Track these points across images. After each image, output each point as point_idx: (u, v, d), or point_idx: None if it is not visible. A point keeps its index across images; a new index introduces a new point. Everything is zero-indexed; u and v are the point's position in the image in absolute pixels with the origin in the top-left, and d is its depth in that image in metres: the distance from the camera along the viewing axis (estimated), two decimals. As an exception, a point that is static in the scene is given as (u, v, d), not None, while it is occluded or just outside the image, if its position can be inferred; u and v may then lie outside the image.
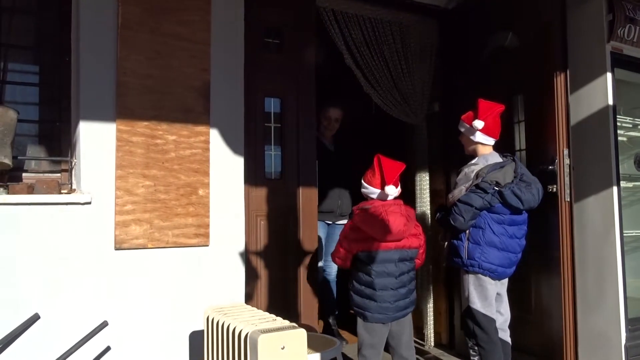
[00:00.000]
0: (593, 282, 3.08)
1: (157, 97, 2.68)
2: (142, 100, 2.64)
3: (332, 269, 4.19)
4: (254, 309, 2.17)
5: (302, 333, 1.76)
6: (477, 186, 2.85)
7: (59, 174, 2.64)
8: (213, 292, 2.78)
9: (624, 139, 3.53)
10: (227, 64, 2.92)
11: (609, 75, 3.08)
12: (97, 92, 2.56)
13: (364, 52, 3.93)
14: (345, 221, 4.33)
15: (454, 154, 4.00)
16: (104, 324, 2.17)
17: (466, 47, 3.89)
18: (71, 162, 2.62)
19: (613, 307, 3.01)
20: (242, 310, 2.11)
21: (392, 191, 2.72)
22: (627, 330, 2.99)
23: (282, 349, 1.69)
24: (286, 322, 1.87)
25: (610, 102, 3.07)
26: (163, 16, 2.72)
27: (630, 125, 3.53)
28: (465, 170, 3.00)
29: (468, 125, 3.00)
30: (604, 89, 3.08)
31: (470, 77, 3.84)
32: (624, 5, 3.11)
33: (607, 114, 3.07)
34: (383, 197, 2.74)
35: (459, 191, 2.95)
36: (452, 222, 2.89)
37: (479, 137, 2.97)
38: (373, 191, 2.77)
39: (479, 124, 2.92)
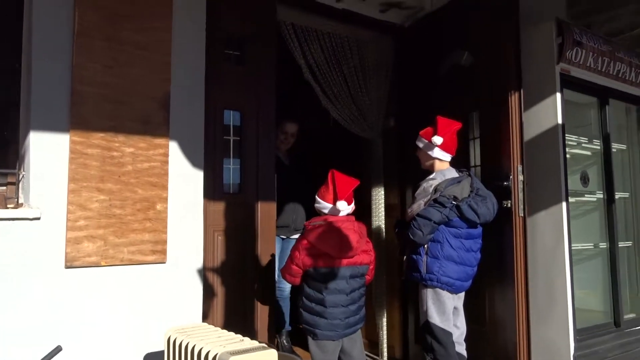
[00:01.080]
0: (544, 293, 3.19)
1: (114, 107, 2.57)
2: (98, 110, 2.52)
3: (286, 285, 4.13)
4: (218, 329, 2.09)
5: (273, 354, 1.71)
6: (435, 200, 2.90)
7: (3, 187, 2.47)
8: (170, 312, 2.68)
9: (569, 156, 3.70)
10: (188, 75, 2.85)
11: (558, 95, 3.22)
12: (49, 100, 2.42)
13: (323, 67, 3.94)
14: (298, 236, 4.33)
15: (409, 168, 4.08)
16: (58, 349, 2.03)
17: (421, 64, 3.98)
18: (18, 175, 2.46)
19: (562, 318, 3.13)
20: (206, 330, 2.03)
21: (344, 207, 2.72)
22: (576, 341, 3.11)
23: (253, 371, 1.64)
24: (255, 343, 1.82)
25: (560, 121, 3.21)
26: (122, 23, 2.62)
27: (575, 143, 3.70)
28: (424, 185, 3.05)
29: (427, 141, 3.06)
30: (554, 108, 3.22)
31: (425, 94, 3.93)
32: (572, 29, 3.28)
33: (557, 133, 3.21)
34: (335, 212, 2.74)
35: (418, 205, 2.99)
36: (411, 236, 2.92)
37: (437, 152, 3.03)
38: (325, 206, 2.77)
39: (437, 139, 2.98)
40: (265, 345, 1.76)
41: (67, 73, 2.47)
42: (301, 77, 3.87)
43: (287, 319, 4.09)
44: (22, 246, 2.30)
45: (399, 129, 4.25)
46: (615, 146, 3.82)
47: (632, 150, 4.05)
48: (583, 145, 3.72)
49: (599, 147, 3.67)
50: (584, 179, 3.59)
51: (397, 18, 4.18)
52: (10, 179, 2.48)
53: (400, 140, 4.23)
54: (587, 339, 3.22)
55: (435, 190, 2.94)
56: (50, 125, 2.41)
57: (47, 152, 2.40)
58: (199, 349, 1.75)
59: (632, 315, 3.68)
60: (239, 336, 1.93)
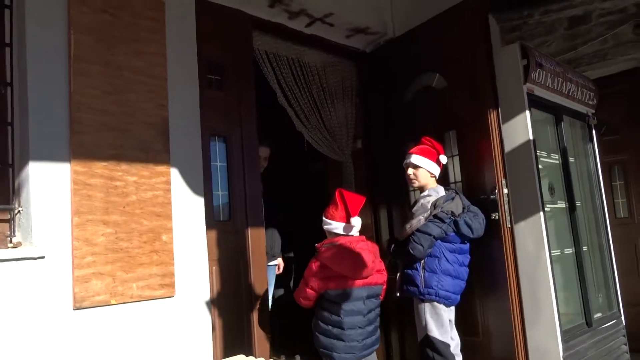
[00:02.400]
0: (530, 300, 3.35)
1: (115, 134, 2.43)
2: (99, 138, 2.37)
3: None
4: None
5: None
6: (435, 216, 3.00)
7: (-6, 226, 2.23)
8: (180, 346, 2.52)
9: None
10: (184, 100, 2.76)
11: (527, 113, 3.46)
12: (48, 129, 2.24)
13: (295, 92, 3.99)
14: (275, 262, 4.27)
15: (379, 189, 4.19)
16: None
17: (387, 87, 4.13)
18: (13, 211, 2.23)
19: (550, 322, 3.30)
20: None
21: (357, 222, 2.74)
22: (563, 342, 3.29)
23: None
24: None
25: (531, 137, 3.45)
26: (118, 47, 2.50)
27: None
28: (422, 201, 3.14)
29: (432, 162, 3.18)
30: (525, 125, 3.45)
31: (392, 116, 4.07)
32: (534, 52, 3.56)
33: (529, 148, 3.44)
34: (348, 230, 2.74)
35: (418, 221, 3.07)
36: (411, 250, 2.98)
37: (437, 171, 3.17)
38: (337, 226, 2.76)
39: (444, 159, 3.14)
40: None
41: (64, 100, 2.31)
42: (274, 102, 3.87)
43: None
44: (26, 289, 2.08)
45: (366, 151, 4.36)
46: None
47: (578, 162, 4.41)
48: (542, 159, 4.00)
49: (557, 161, 3.97)
50: (551, 190, 3.86)
51: (360, 44, 4.33)
52: (2, 216, 2.24)
53: (368, 162, 4.34)
54: (570, 340, 3.41)
55: (435, 206, 3.03)
56: (51, 156, 2.23)
57: (48, 184, 2.21)
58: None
59: (599, 315, 3.95)
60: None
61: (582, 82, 4.16)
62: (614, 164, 5.04)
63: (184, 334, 2.55)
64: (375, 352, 2.79)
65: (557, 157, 3.96)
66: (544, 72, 3.61)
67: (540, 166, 3.90)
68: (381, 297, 2.84)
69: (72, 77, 2.32)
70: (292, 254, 4.81)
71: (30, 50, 2.24)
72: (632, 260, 4.88)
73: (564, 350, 3.29)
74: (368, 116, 4.39)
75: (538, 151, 3.81)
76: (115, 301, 2.31)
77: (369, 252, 2.68)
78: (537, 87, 3.60)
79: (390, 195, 4.20)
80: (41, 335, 2.11)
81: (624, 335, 4.13)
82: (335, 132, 4.24)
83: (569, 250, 3.90)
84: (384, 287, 2.84)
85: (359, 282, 2.65)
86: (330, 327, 2.62)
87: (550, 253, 3.38)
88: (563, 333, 3.34)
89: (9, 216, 2.23)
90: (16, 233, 2.20)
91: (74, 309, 2.20)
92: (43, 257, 2.14)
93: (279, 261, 4.31)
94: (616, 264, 4.38)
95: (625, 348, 4.11)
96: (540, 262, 3.35)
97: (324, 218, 2.82)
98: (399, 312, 3.88)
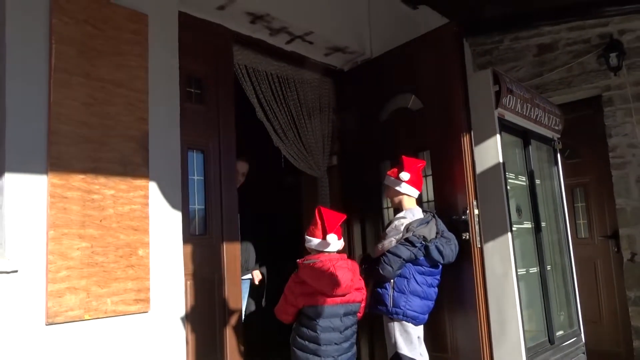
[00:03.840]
0: (496, 317, 3.45)
1: (94, 147, 2.40)
2: (77, 150, 2.34)
3: (238, 327, 4.04)
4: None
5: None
6: (406, 239, 3.05)
7: (-35, 237, 2.17)
8: (154, 364, 2.49)
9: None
10: (164, 114, 2.76)
11: (498, 137, 3.59)
12: (25, 139, 2.20)
13: (273, 107, 4.01)
14: (249, 276, 4.27)
15: (353, 205, 4.25)
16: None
17: (363, 105, 4.21)
18: (-15, 222, 2.18)
19: (515, 339, 3.40)
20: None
21: (333, 240, 2.77)
22: (528, 359, 3.40)
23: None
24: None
25: (500, 160, 3.57)
26: (100, 60, 2.49)
27: (503, 179, 4.10)
28: (395, 223, 3.20)
29: (393, 178, 3.23)
30: (495, 148, 3.57)
31: (367, 134, 4.15)
32: (504, 79, 3.70)
33: (499, 170, 3.56)
34: (325, 246, 2.77)
35: (389, 242, 3.13)
36: (381, 270, 3.03)
37: (405, 188, 3.21)
38: (315, 241, 2.79)
39: (405, 175, 3.18)
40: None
41: (43, 111, 2.27)
42: (253, 117, 3.89)
43: None
44: (-2, 303, 2.03)
45: (341, 167, 4.42)
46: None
47: (544, 184, 4.58)
48: (509, 180, 4.13)
49: (524, 182, 4.11)
50: (519, 211, 3.99)
51: (338, 62, 4.41)
52: (-27, 228, 2.19)
53: (343, 178, 4.40)
54: (534, 357, 3.52)
55: (407, 229, 3.09)
56: (27, 167, 2.19)
57: (24, 196, 2.17)
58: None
59: (561, 332, 4.09)
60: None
61: (548, 108, 4.33)
62: (577, 186, 5.25)
63: (158, 349, 2.52)
64: (351, 368, 2.82)
65: (524, 179, 4.10)
66: (514, 97, 3.75)
67: (508, 187, 4.05)
68: (359, 315, 2.88)
69: (52, 87, 2.30)
70: (264, 268, 4.80)
71: (9, 58, 2.21)
72: (592, 279, 5.08)
73: (529, 367, 3.40)
74: (344, 133, 4.45)
75: (507, 173, 3.95)
76: (89, 316, 2.27)
77: (348, 270, 2.72)
78: (508, 112, 3.74)
79: (364, 211, 4.26)
80: (12, 351, 2.05)
81: (583, 353, 4.28)
82: (311, 148, 4.28)
83: (534, 270, 4.04)
84: (362, 305, 2.88)
85: (337, 299, 2.68)
86: (307, 343, 2.64)
87: (517, 272, 3.49)
88: (527, 350, 3.45)
89: (-19, 228, 2.18)
90: (-12, 245, 2.15)
91: (47, 324, 2.15)
92: (16, 271, 2.09)
93: (256, 274, 4.31)
94: (577, 283, 4.54)
95: (585, 365, 4.26)
96: (508, 280, 3.46)
97: (305, 236, 2.85)
98: (370, 328, 3.92)
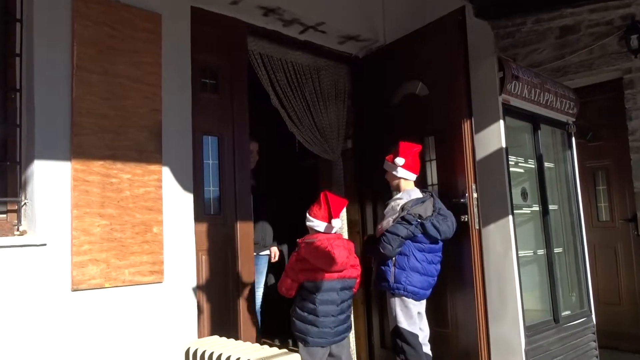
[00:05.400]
0: (497, 296, 3.61)
1: (112, 136, 2.71)
2: (97, 139, 2.66)
3: (258, 299, 4.34)
4: (231, 340, 2.28)
5: (297, 357, 1.94)
6: (402, 218, 3.24)
7: (4, 215, 2.53)
8: (169, 327, 2.82)
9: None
10: (176, 105, 3.03)
11: (501, 122, 3.69)
12: (52, 131, 2.53)
13: (288, 93, 4.21)
14: (267, 252, 4.56)
15: (367, 187, 4.44)
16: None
17: (376, 91, 4.36)
18: (20, 203, 2.53)
19: (514, 317, 3.55)
20: (224, 342, 2.22)
21: (337, 224, 3.02)
22: (526, 337, 3.54)
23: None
24: (275, 349, 2.03)
25: (503, 145, 3.67)
26: (117, 57, 2.78)
27: (513, 163, 4.19)
28: (392, 203, 3.38)
29: (390, 163, 3.42)
30: (499, 134, 3.68)
31: (380, 119, 4.31)
32: (510, 65, 3.77)
33: (502, 155, 3.67)
34: (329, 229, 3.01)
35: (387, 222, 3.32)
36: (381, 249, 3.22)
37: (401, 172, 3.39)
38: (319, 224, 3.03)
39: (400, 160, 3.36)
40: (287, 351, 1.98)
41: (67, 105, 2.59)
42: (268, 103, 4.12)
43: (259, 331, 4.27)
44: (30, 272, 2.38)
45: (357, 151, 4.61)
46: (544, 164, 4.37)
47: (558, 168, 4.62)
48: (519, 164, 4.22)
49: (533, 166, 4.19)
50: (524, 194, 4.08)
51: (353, 49, 4.56)
52: (10, 207, 2.55)
53: (358, 161, 4.59)
54: (534, 335, 3.65)
55: (402, 208, 3.27)
56: (54, 155, 2.52)
57: (51, 180, 2.51)
58: (226, 356, 1.94)
59: (567, 312, 4.19)
60: (257, 344, 2.14)
61: (561, 92, 4.35)
62: (598, 169, 5.25)
63: (172, 316, 2.85)
64: (347, 338, 3.06)
65: (533, 163, 4.18)
66: (520, 83, 3.82)
67: (519, 170, 4.14)
68: (354, 290, 3.11)
69: (75, 84, 2.61)
70: (286, 245, 5.09)
71: (37, 60, 2.53)
72: (612, 262, 5.10)
73: (527, 344, 3.54)
74: (359, 118, 4.62)
75: (515, 157, 4.04)
76: (109, 285, 2.61)
77: (344, 249, 2.95)
78: (513, 97, 3.82)
79: (376, 193, 4.44)
80: (43, 313, 2.41)
81: (593, 333, 4.36)
82: (326, 133, 4.48)
83: (541, 252, 4.14)
84: (358, 280, 3.11)
85: (333, 275, 2.92)
86: (306, 314, 2.90)
87: (517, 253, 3.62)
88: (527, 328, 3.59)
89: (16, 207, 2.53)
90: (22, 222, 2.50)
91: (72, 290, 2.50)
92: (45, 245, 2.44)
93: (274, 250, 4.59)
94: (591, 265, 4.59)
95: (594, 345, 4.34)
96: (508, 261, 3.60)
97: (307, 215, 3.09)
98: (380, 302, 4.14)
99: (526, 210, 4.24)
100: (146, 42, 2.89)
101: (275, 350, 2.02)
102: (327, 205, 2.97)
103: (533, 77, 4.02)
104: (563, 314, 4.08)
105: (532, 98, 4.02)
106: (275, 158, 5.07)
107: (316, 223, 3.02)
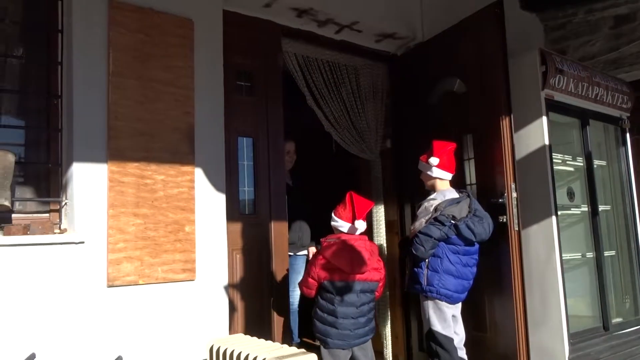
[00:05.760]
0: (539, 302, 3.47)
1: (146, 139, 2.81)
2: (132, 142, 2.76)
3: (295, 299, 4.36)
4: (255, 338, 2.32)
5: (313, 357, 1.95)
6: (435, 219, 3.16)
7: (47, 214, 2.69)
8: (200, 325, 2.90)
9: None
10: (209, 107, 3.10)
11: (544, 118, 3.54)
12: (89, 135, 2.66)
13: (324, 93, 4.22)
14: (305, 252, 4.58)
15: (406, 186, 4.37)
16: (32, 357, 2.22)
17: (414, 89, 4.29)
18: (61, 203, 2.68)
19: (557, 324, 3.40)
20: (245, 340, 2.26)
21: (361, 225, 2.99)
22: (570, 344, 3.38)
23: (297, 372, 1.87)
24: (294, 349, 2.05)
25: (546, 142, 3.53)
26: (150, 62, 2.88)
27: (560, 160, 4.01)
28: (425, 204, 3.32)
29: (424, 163, 3.35)
30: (541, 130, 3.54)
31: (419, 117, 4.23)
32: (554, 59, 3.61)
33: (545, 152, 3.52)
34: (352, 230, 2.99)
35: (420, 223, 3.26)
36: (414, 251, 3.16)
37: (435, 172, 3.32)
38: (343, 224, 3.02)
39: (434, 160, 3.28)
40: (305, 351, 1.99)
41: (103, 110, 2.71)
42: (305, 103, 4.14)
43: (295, 331, 4.30)
44: (69, 267, 2.52)
45: (396, 150, 4.55)
46: (596, 162, 4.15)
47: (611, 166, 4.38)
48: (567, 162, 4.03)
49: (581, 164, 3.99)
50: (570, 194, 3.90)
51: (391, 47, 4.51)
52: (52, 207, 2.70)
53: (396, 161, 4.52)
54: (579, 342, 3.49)
55: (436, 209, 3.20)
56: (91, 157, 2.64)
57: (89, 181, 2.63)
58: (245, 355, 1.97)
59: (619, 319, 3.97)
60: (277, 344, 2.16)
61: (613, 86, 4.13)
62: (661, 166, 4.92)
63: (203, 313, 2.92)
64: (370, 341, 3.03)
65: (581, 161, 3.99)
66: (566, 77, 3.65)
67: (567, 169, 3.96)
68: (377, 294, 3.07)
69: (110, 90, 2.73)
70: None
71: (75, 67, 2.66)
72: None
73: (571, 352, 3.38)
74: (398, 117, 4.56)
75: (561, 155, 3.87)
76: (143, 281, 2.71)
77: (366, 251, 2.93)
78: (558, 92, 3.66)
79: (415, 193, 4.37)
80: (81, 306, 2.54)
81: (649, 341, 4.10)
82: (364, 132, 4.46)
83: (590, 255, 3.94)
84: (381, 284, 3.07)
85: (354, 276, 2.90)
86: (325, 315, 2.89)
87: (561, 256, 3.46)
88: (571, 335, 3.43)
89: (58, 207, 2.68)
90: (63, 221, 2.65)
91: (108, 286, 2.62)
92: (83, 242, 2.57)
93: (312, 250, 4.61)
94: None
95: (651, 354, 4.08)
96: (550, 264, 3.45)
97: (332, 215, 3.09)
98: (418, 305, 4.05)
99: (575, 211, 4.05)
100: (178, 47, 2.98)
101: (293, 349, 2.04)
102: (351, 206, 2.96)
103: (580, 70, 3.83)
104: (614, 321, 3.88)
105: (580, 92, 3.83)
106: (314, 158, 5.08)
107: (340, 223, 3.01)
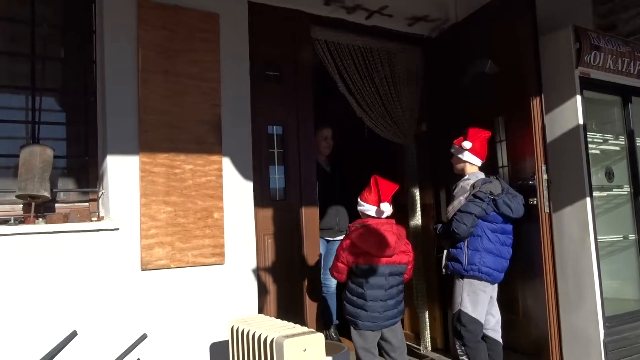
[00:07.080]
0: (573, 285, 3.39)
1: (174, 131, 2.97)
2: (161, 134, 2.93)
3: (332, 282, 4.46)
4: (272, 318, 2.43)
5: (321, 337, 2.03)
6: (474, 195, 3.16)
7: (87, 204, 2.91)
8: (230, 306, 3.05)
9: (597, 151, 3.87)
10: (235, 98, 3.22)
11: (578, 97, 3.42)
12: (122, 129, 2.84)
13: (356, 79, 4.23)
14: (342, 237, 4.65)
15: (441, 170, 4.33)
16: (144, 337, 2.41)
17: (449, 72, 4.23)
18: (98, 192, 2.89)
19: (591, 307, 3.32)
20: (263, 320, 2.37)
21: (387, 208, 3.02)
22: (605, 327, 3.30)
23: (304, 351, 1.96)
24: (304, 328, 2.14)
25: (581, 121, 3.41)
26: (177, 57, 3.02)
27: (601, 140, 3.87)
28: (461, 184, 3.32)
29: (457, 146, 3.34)
30: (575, 110, 3.42)
31: (453, 100, 4.18)
32: (589, 35, 3.47)
33: (578, 133, 3.41)
34: (379, 213, 3.03)
35: (458, 202, 3.26)
36: (455, 229, 3.16)
37: (467, 156, 3.31)
38: (369, 208, 3.07)
39: (467, 144, 3.27)
40: (314, 331, 2.09)
41: (134, 105, 2.88)
42: (335, 90, 4.18)
43: (334, 313, 4.41)
44: (105, 253, 2.72)
45: (430, 134, 4.50)
46: (638, 141, 3.96)
47: (659, 145, 4.16)
48: (609, 141, 3.88)
49: (623, 143, 3.83)
50: (609, 175, 3.75)
51: (424, 30, 4.45)
52: (92, 196, 2.92)
53: (432, 144, 4.48)
54: (617, 326, 3.39)
55: (473, 187, 3.20)
56: (123, 150, 2.83)
57: (122, 172, 2.82)
58: (259, 334, 2.09)
59: (663, 303, 3.81)
60: (291, 323, 2.26)
61: (659, 60, 3.90)
62: None
63: (233, 295, 3.08)
64: (399, 323, 3.08)
65: (623, 140, 3.82)
66: (603, 53, 3.50)
67: (608, 148, 3.81)
68: (406, 276, 3.11)
69: (140, 85, 2.89)
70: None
71: (107, 64, 2.84)
72: None
73: (607, 335, 3.30)
74: (433, 100, 4.52)
75: (601, 134, 3.74)
76: (174, 265, 2.88)
77: (393, 234, 2.97)
78: (594, 70, 3.52)
79: (451, 176, 4.34)
80: (117, 289, 2.75)
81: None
82: (397, 117, 4.44)
83: (632, 237, 3.79)
84: (410, 267, 3.10)
85: (383, 259, 2.95)
86: (355, 298, 2.97)
87: (596, 239, 3.36)
88: (608, 318, 3.35)
89: (96, 197, 2.89)
90: (100, 210, 2.86)
91: (142, 270, 2.81)
92: (118, 229, 2.76)
93: None
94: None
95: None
96: (585, 247, 3.36)
97: (358, 199, 3.15)
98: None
99: (619, 192, 3.90)
100: (204, 42, 3.10)
101: (303, 329, 2.13)
102: (377, 189, 3.00)
103: (620, 45, 3.66)
104: (658, 304, 3.72)
105: (620, 69, 3.67)
106: (352, 143, 5.12)
107: (366, 207, 3.06)
